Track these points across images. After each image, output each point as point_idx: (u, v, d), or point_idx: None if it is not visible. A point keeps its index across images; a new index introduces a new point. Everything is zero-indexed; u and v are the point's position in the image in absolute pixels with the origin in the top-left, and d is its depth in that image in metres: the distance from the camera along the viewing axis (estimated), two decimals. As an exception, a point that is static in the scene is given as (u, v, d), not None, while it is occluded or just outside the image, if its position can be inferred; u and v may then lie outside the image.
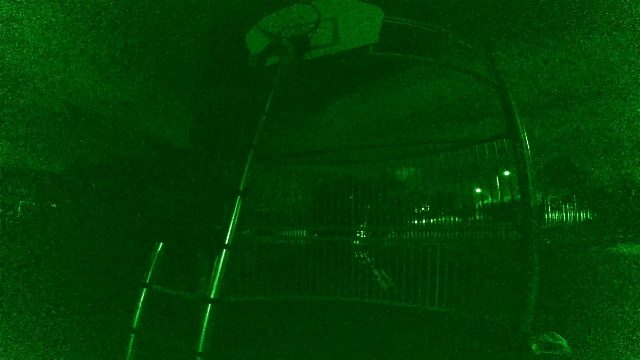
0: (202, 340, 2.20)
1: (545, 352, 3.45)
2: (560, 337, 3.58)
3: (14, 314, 4.93)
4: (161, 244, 2.69)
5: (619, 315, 4.56)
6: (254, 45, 3.51)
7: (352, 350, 3.74)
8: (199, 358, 2.19)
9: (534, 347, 3.52)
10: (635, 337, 3.81)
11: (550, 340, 3.53)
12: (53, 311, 5.07)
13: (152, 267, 2.65)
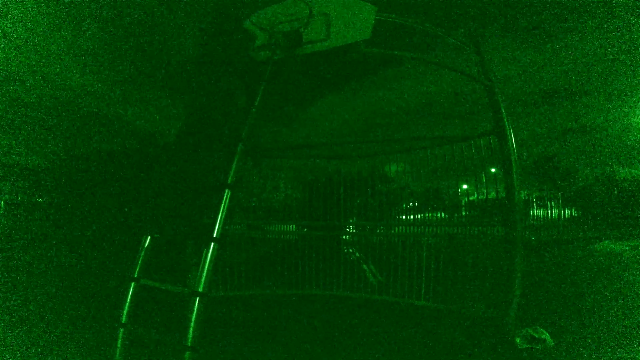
0: (191, 334, 2.21)
1: (529, 346, 3.52)
2: (544, 331, 3.65)
3: (1, 310, 4.86)
4: (149, 237, 2.68)
5: (602, 310, 4.68)
6: (252, 37, 3.50)
7: (340, 343, 3.78)
8: (188, 352, 2.20)
9: (517, 340, 3.59)
10: (617, 331, 3.91)
11: (533, 334, 3.60)
12: (41, 307, 5.02)
13: (140, 261, 2.65)
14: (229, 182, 2.46)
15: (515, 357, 3.41)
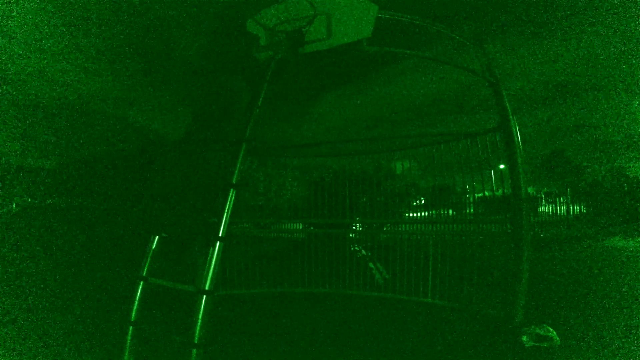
0: (197, 332, 2.24)
1: (535, 344, 3.51)
2: (551, 329, 3.63)
3: (12, 309, 4.95)
4: (157, 237, 2.72)
5: (611, 308, 4.63)
6: (255, 37, 3.52)
7: (346, 341, 3.79)
8: (195, 349, 2.23)
9: (524, 338, 3.57)
10: (626, 329, 3.88)
11: (540, 332, 3.58)
12: (52, 305, 5.10)
13: (148, 260, 2.69)
14: (233, 181, 2.49)
15: (522, 356, 3.40)
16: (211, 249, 2.30)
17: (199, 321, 2.25)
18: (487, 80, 4.09)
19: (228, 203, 2.41)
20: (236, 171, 2.51)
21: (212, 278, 2.27)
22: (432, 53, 3.93)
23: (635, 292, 5.39)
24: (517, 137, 3.91)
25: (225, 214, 2.38)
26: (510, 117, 3.95)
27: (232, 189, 2.44)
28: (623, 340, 3.60)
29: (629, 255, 8.91)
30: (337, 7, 3.32)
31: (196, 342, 2.23)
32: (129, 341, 2.59)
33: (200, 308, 2.24)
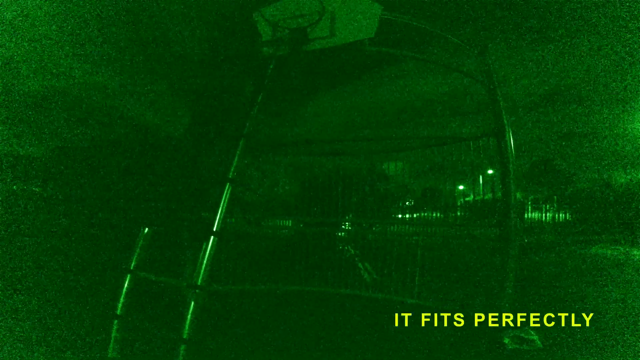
0: (187, 327, 2.22)
1: (518, 347, 3.56)
2: (533, 332, 3.68)
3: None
4: (147, 229, 2.68)
5: (593, 313, 4.71)
6: (258, 33, 3.49)
7: (334, 339, 3.80)
8: (183, 345, 2.21)
9: (506, 341, 3.62)
10: (608, 333, 3.95)
11: (522, 335, 3.64)
12: (35, 297, 5.01)
13: (137, 252, 2.65)
14: (230, 176, 2.46)
15: (504, 358, 3.44)
16: (205, 243, 2.27)
17: (189, 317, 2.22)
18: (484, 85, 4.11)
19: (224, 197, 2.39)
20: (233, 166, 2.49)
21: (204, 273, 2.24)
22: (429, 55, 3.94)
23: (617, 297, 5.49)
24: (511, 143, 3.94)
25: (220, 209, 2.35)
26: (505, 122, 3.98)
27: (228, 184, 2.42)
28: (604, 344, 3.67)
29: (612, 263, 9.08)
30: (341, 6, 3.30)
31: (185, 337, 2.21)
32: (114, 335, 2.55)
33: (191, 303, 2.22)
